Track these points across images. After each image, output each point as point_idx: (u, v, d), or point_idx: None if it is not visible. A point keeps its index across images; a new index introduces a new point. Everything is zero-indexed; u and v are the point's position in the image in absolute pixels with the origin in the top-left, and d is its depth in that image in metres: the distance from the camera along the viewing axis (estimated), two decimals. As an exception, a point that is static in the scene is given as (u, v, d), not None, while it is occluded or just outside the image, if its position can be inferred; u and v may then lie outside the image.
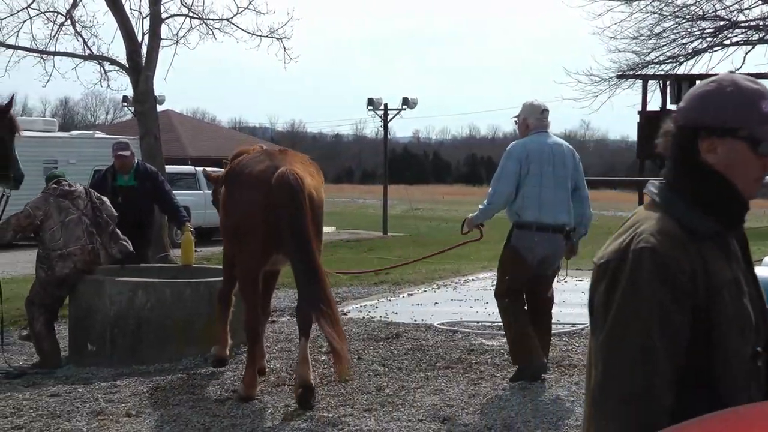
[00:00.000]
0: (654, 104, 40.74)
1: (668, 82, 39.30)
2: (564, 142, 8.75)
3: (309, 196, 8.09)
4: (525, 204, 8.37)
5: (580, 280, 15.32)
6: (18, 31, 19.29)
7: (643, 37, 37.38)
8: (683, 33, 37.29)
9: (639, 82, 39.50)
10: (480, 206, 8.70)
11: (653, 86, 39.97)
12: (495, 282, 8.85)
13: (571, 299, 13.16)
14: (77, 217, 9.79)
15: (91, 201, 9.92)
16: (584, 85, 38.29)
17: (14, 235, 9.88)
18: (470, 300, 13.13)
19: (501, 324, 10.91)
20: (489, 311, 12.03)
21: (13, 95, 9.71)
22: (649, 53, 37.74)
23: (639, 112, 40.08)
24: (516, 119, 8.77)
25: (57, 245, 9.68)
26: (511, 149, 8.52)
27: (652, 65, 38.02)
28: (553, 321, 11.09)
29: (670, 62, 37.78)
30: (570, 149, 8.64)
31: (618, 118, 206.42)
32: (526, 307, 8.55)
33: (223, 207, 8.76)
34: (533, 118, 8.59)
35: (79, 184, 10.24)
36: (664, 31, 37.24)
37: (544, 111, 8.64)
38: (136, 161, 11.66)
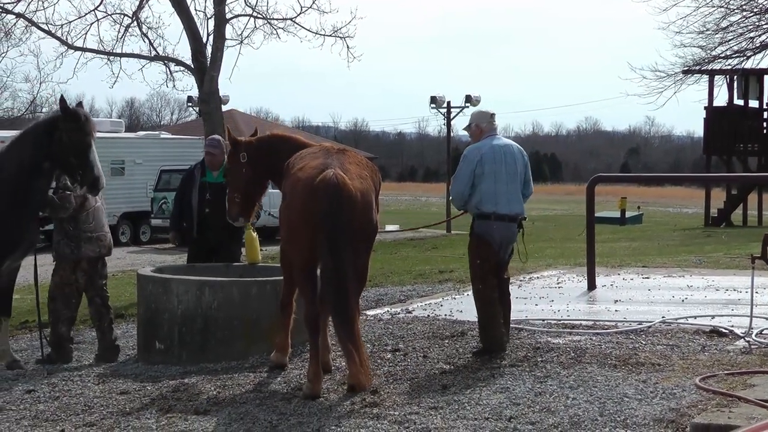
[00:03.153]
0: (721, 99, 40.23)
1: (735, 77, 38.73)
2: (513, 143, 9.92)
3: (353, 199, 8.18)
4: (483, 199, 9.47)
5: (647, 278, 15.20)
6: (86, 34, 19.64)
7: (709, 32, 36.96)
8: (751, 27, 36.78)
9: (705, 77, 39.00)
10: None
11: (720, 81, 39.45)
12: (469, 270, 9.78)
13: (637, 297, 13.06)
14: (101, 206, 10.29)
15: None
16: (649, 80, 37.97)
17: (70, 211, 9.96)
18: (535, 298, 13.06)
19: (567, 322, 10.93)
20: (554, 309, 11.97)
21: (80, 102, 9.80)
22: (716, 48, 37.30)
23: (705, 108, 39.58)
24: (467, 129, 9.89)
25: (89, 227, 10.07)
26: (467, 153, 9.67)
27: (719, 60, 37.55)
28: (620, 319, 11.11)
29: (737, 56, 37.27)
30: (519, 149, 9.81)
31: (683, 113, 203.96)
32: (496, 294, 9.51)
33: (283, 199, 8.83)
34: (485, 123, 9.76)
35: None
36: (731, 24, 36.78)
37: (492, 116, 9.86)
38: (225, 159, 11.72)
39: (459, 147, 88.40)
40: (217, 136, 12.30)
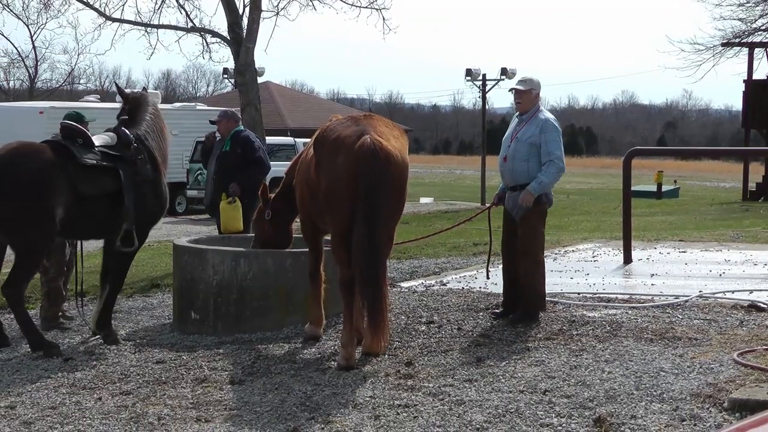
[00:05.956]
0: (760, 72, 39.76)
1: (775, 50, 38.25)
2: None
3: (392, 158, 8.26)
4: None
5: (683, 252, 15.09)
6: (123, 5, 19.69)
7: (749, 4, 36.52)
8: (792, -1, 36.28)
9: (745, 50, 38.56)
10: (544, 177, 9.48)
11: (760, 54, 39.02)
12: (530, 240, 9.62)
13: (674, 271, 12.97)
14: None
15: None
16: (687, 53, 37.63)
17: None
18: (570, 271, 13.00)
19: (602, 296, 10.87)
20: (590, 282, 11.91)
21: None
22: (756, 20, 36.86)
23: (744, 81, 39.11)
24: (527, 94, 9.68)
25: None
26: (555, 123, 9.66)
27: (759, 32, 37.10)
28: (656, 293, 11.04)
29: (778, 29, 36.78)
30: None
31: (722, 87, 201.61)
32: None
33: (307, 173, 8.83)
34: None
35: None
36: (772, -4, 36.29)
37: None
38: (236, 128, 12.12)
39: (493, 120, 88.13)
40: (225, 109, 12.83)
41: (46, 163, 8.86)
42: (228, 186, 11.66)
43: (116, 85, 10.65)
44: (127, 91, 10.30)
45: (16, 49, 58.02)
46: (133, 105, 9.98)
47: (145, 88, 10.60)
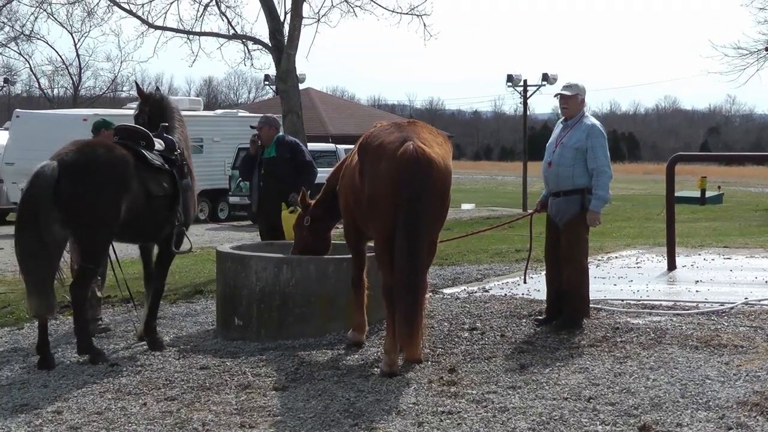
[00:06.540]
0: (806, 77, 39.29)
1: (821, 54, 37.80)
2: None
3: (435, 165, 8.24)
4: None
5: (728, 258, 14.96)
6: (165, 13, 19.83)
7: (794, 7, 36.11)
8: (838, 2, 35.87)
9: (790, 55, 38.08)
10: (601, 191, 9.50)
11: (805, 59, 38.50)
12: (573, 246, 9.62)
13: (719, 277, 12.86)
14: None
15: None
16: (731, 58, 37.19)
17: None
18: (614, 278, 12.93)
19: (646, 302, 10.80)
20: (633, 289, 11.84)
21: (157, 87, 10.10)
22: (802, 24, 36.45)
23: (789, 86, 38.67)
24: (573, 99, 9.67)
25: None
26: (601, 129, 9.63)
27: (804, 37, 36.68)
28: (701, 299, 10.95)
29: (824, 33, 36.38)
30: None
31: (766, 91, 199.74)
32: None
33: (351, 179, 8.85)
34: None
35: None
36: (817, 0, 35.91)
37: None
38: (278, 135, 12.18)
39: (535, 126, 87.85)
40: (267, 114, 12.80)
41: (118, 160, 8.94)
42: (278, 192, 11.55)
43: (136, 84, 10.65)
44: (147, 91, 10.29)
45: (60, 57, 58.54)
46: (154, 108, 9.97)
47: (158, 88, 10.55)
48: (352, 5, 19.77)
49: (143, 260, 9.97)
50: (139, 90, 10.26)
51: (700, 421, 6.62)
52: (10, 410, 7.38)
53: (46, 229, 8.52)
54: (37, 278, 8.54)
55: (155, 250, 9.86)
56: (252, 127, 12.54)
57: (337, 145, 33.22)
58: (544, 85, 38.86)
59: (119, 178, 8.87)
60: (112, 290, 11.64)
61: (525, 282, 11.07)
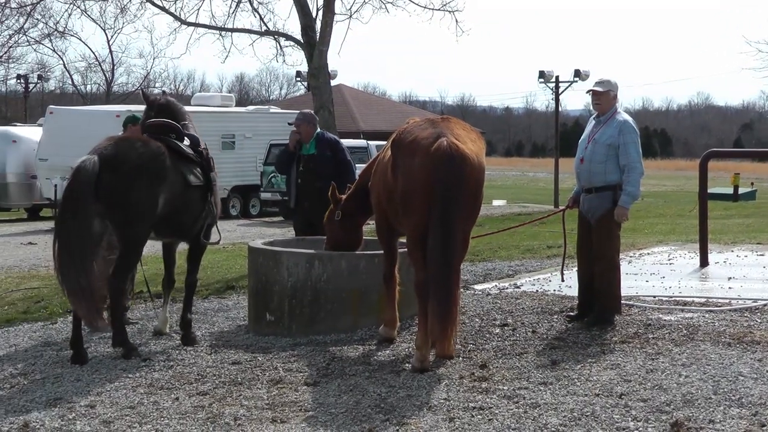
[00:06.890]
0: (841, 72, 38.91)
1: None
2: None
3: (468, 161, 8.24)
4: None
5: (761, 255, 14.86)
6: (198, 10, 19.93)
7: (829, 2, 35.80)
8: None
9: (824, 50, 37.72)
10: (630, 187, 9.46)
11: (840, 54, 38.13)
12: (605, 243, 9.62)
13: (752, 274, 12.78)
14: None
15: None
16: (765, 54, 36.86)
17: None
18: (646, 274, 12.87)
19: (678, 299, 10.74)
20: (665, 285, 11.78)
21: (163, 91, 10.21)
22: (836, 19, 36.13)
23: (824, 81, 38.34)
24: (605, 95, 9.65)
25: None
26: (634, 126, 9.63)
27: (839, 32, 36.34)
28: (734, 296, 10.88)
29: None
30: None
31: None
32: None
33: (384, 175, 8.85)
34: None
35: None
36: None
37: None
38: (317, 132, 12.12)
39: (567, 122, 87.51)
40: (305, 111, 12.73)
41: (156, 153, 9.04)
42: (317, 189, 11.48)
43: (142, 91, 10.84)
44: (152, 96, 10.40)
45: (93, 53, 59.36)
46: (160, 112, 9.88)
47: (164, 92, 10.74)
48: (384, 1, 19.80)
49: (165, 262, 10.06)
50: (145, 95, 10.37)
51: (733, 418, 6.59)
52: (44, 404, 7.46)
53: (87, 221, 8.61)
54: (73, 278, 8.57)
55: (178, 249, 9.97)
56: (290, 123, 12.55)
57: (369, 142, 33.24)
58: (576, 81, 38.75)
59: (157, 170, 8.99)
60: (141, 286, 11.73)
61: (563, 280, 11.02)
